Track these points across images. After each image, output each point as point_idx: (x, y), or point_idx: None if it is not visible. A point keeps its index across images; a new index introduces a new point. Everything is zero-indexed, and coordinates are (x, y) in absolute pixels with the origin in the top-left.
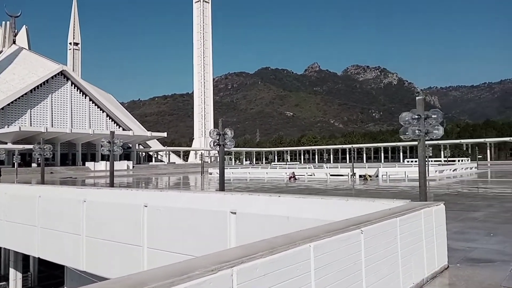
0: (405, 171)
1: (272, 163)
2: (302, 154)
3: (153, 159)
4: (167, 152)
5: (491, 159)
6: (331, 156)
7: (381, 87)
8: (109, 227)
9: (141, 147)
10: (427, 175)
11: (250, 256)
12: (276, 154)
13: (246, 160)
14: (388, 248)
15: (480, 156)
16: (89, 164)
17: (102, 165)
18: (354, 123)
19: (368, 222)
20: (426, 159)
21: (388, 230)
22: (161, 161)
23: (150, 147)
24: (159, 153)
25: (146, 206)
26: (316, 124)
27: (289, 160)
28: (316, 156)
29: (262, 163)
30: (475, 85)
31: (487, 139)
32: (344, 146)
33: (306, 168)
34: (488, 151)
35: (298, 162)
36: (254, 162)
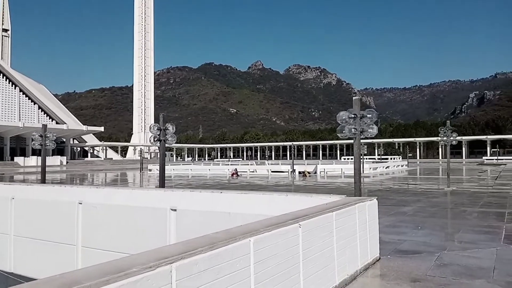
0: (341, 168)
1: (215, 159)
2: (245, 150)
3: (89, 154)
4: (104, 148)
5: (420, 157)
6: (273, 153)
7: (321, 87)
8: (40, 226)
9: (76, 141)
10: (361, 172)
11: (190, 252)
12: (219, 151)
13: (188, 157)
14: (324, 241)
15: (411, 155)
16: (18, 159)
17: (33, 161)
18: (295, 121)
19: (306, 216)
20: (361, 157)
21: (325, 224)
22: (98, 156)
23: (86, 142)
24: (95, 148)
25: (80, 203)
26: (259, 121)
27: (232, 156)
28: (259, 153)
29: (205, 159)
30: (407, 87)
31: (417, 139)
32: (285, 143)
33: (248, 164)
34: (418, 149)
35: (241, 159)
36: (196, 159)
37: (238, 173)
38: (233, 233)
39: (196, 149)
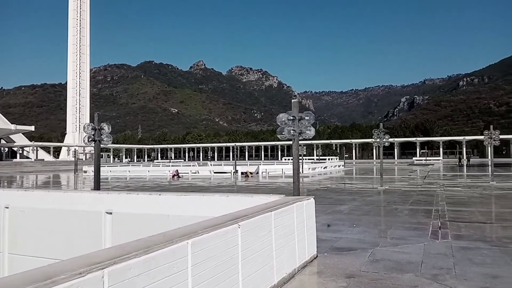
0: (282, 168)
1: (155, 160)
2: (186, 151)
3: (18, 155)
4: (35, 148)
5: (356, 158)
6: (216, 154)
7: (263, 89)
8: None
9: (3, 141)
10: (300, 172)
11: (123, 256)
12: (159, 152)
13: (126, 158)
14: (263, 241)
15: (347, 155)
16: None
17: None
18: (238, 122)
19: (245, 216)
20: (300, 158)
21: (264, 223)
22: (27, 157)
23: (15, 142)
24: (25, 148)
25: (7, 208)
26: (202, 122)
27: (173, 157)
28: (201, 154)
29: (144, 160)
30: (344, 91)
31: (353, 140)
32: (228, 144)
33: (190, 166)
34: (354, 150)
35: (183, 160)
36: (135, 160)
37: (180, 174)
38: (170, 235)
39: (135, 150)
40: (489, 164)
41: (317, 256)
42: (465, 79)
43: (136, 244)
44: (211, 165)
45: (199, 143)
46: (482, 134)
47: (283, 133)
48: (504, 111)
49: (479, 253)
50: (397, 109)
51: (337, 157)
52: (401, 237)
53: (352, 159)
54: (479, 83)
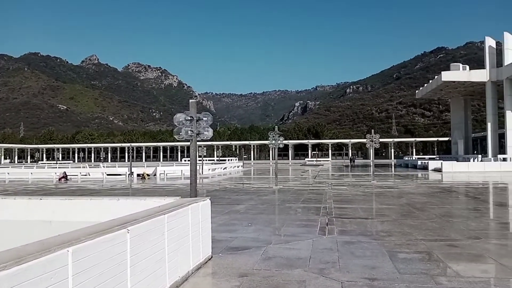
0: (181, 170)
1: (40, 162)
2: (76, 152)
3: None
4: None
5: (254, 159)
6: (109, 154)
7: (162, 88)
8: None
9: None
10: (200, 173)
11: None
12: (45, 152)
13: (5, 159)
14: (155, 245)
15: (246, 156)
16: None
17: None
18: (135, 121)
19: (135, 221)
20: (200, 159)
21: (156, 227)
22: None
23: None
24: None
25: None
26: (94, 120)
27: (60, 158)
28: (93, 154)
29: (27, 161)
30: (244, 94)
31: (251, 142)
32: (123, 144)
33: (80, 167)
34: (252, 151)
35: (72, 161)
36: (16, 161)
37: (68, 177)
38: (48, 244)
39: (16, 150)
40: (371, 164)
41: (212, 257)
42: (351, 86)
43: (5, 255)
44: (103, 166)
45: (91, 143)
46: (365, 138)
47: (180, 133)
48: (384, 117)
49: (360, 246)
50: (291, 112)
51: (237, 158)
52: (292, 234)
53: (251, 160)
54: (363, 91)
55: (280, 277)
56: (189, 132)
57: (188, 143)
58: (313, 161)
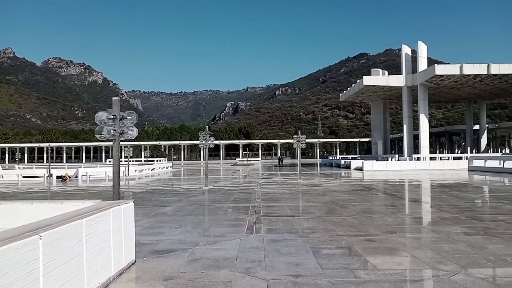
0: (106, 171)
1: None
2: None
3: None
4: None
5: (184, 159)
6: (26, 155)
7: (86, 85)
8: None
9: None
10: (127, 175)
11: None
12: None
13: None
14: (72, 251)
15: (175, 157)
16: None
17: None
18: (55, 120)
19: (49, 226)
20: (126, 159)
21: (73, 232)
22: None
23: None
24: None
25: None
26: (9, 118)
27: None
28: (7, 155)
29: None
30: (174, 92)
31: (181, 142)
32: (42, 144)
33: None
34: (183, 152)
35: None
36: None
37: None
38: None
39: None
40: (298, 164)
41: (135, 261)
42: (280, 89)
43: None
44: (19, 168)
45: (4, 142)
46: (293, 138)
47: (102, 133)
48: (310, 118)
49: (286, 244)
50: (223, 113)
51: (166, 159)
52: (220, 235)
53: (181, 160)
54: (291, 93)
55: (206, 278)
56: (112, 131)
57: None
58: (244, 161)
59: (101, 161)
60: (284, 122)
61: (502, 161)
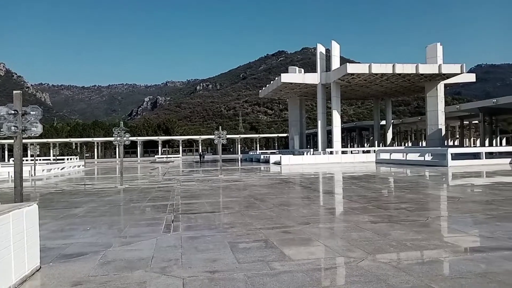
0: (8, 172)
1: None
2: None
3: None
4: None
5: (98, 157)
6: None
7: None
8: None
9: None
10: (33, 175)
11: None
12: None
13: None
14: None
15: (88, 154)
16: None
17: None
18: None
19: None
20: (34, 158)
21: None
22: None
23: None
24: None
25: None
26: None
27: None
28: None
29: None
30: (86, 86)
31: (95, 139)
32: None
33: None
34: (96, 149)
35: None
36: None
37: None
38: None
39: None
40: (219, 159)
41: (40, 267)
42: (201, 84)
43: None
44: None
45: None
46: (214, 134)
47: (1, 129)
48: (232, 114)
49: (204, 240)
50: (141, 108)
51: (77, 157)
52: (135, 235)
53: (94, 158)
54: (213, 89)
55: (119, 281)
56: (13, 128)
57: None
58: (163, 157)
59: (4, 160)
60: (205, 118)
61: (405, 154)
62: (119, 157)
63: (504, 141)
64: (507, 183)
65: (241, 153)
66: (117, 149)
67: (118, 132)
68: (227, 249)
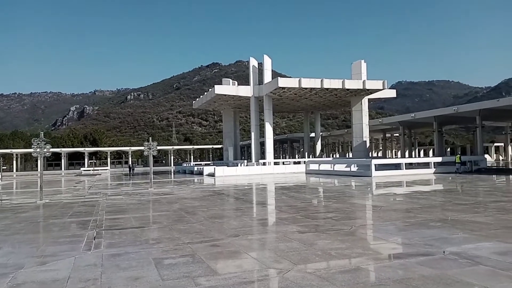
0: None
1: None
2: None
3: None
4: None
5: (18, 170)
6: None
7: None
8: None
9: None
10: None
11: None
12: None
13: None
14: None
15: (6, 167)
16: None
17: None
18: None
19: None
20: None
21: None
22: None
23: None
24: None
25: None
26: None
27: None
28: None
29: None
30: (5, 94)
31: (14, 150)
32: None
33: None
34: (15, 161)
35: None
36: None
37: None
38: None
39: None
40: (150, 172)
41: None
42: (133, 93)
43: None
44: None
45: None
46: (144, 145)
47: None
48: (165, 125)
49: (127, 257)
50: (66, 117)
51: None
52: (52, 254)
53: (13, 171)
54: (144, 99)
55: None
56: None
57: None
58: (90, 170)
59: None
60: (136, 129)
61: (332, 165)
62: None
63: (422, 152)
64: (424, 192)
65: (174, 165)
66: (39, 161)
67: (38, 143)
68: (151, 266)
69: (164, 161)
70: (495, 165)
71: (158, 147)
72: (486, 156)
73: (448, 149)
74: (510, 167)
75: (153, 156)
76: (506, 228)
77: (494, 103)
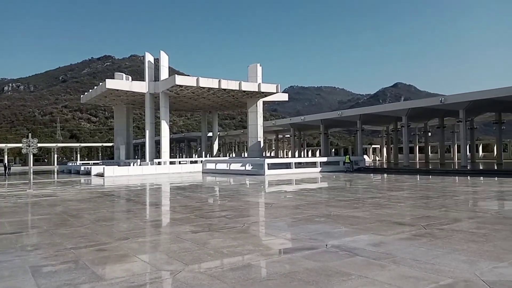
0: None
1: None
2: None
3: None
4: None
5: None
6: None
7: None
8: None
9: None
10: None
11: None
12: None
13: None
14: None
15: None
16: None
17: None
18: None
19: None
20: None
21: None
22: None
23: None
24: None
25: None
26: None
27: None
28: None
29: None
30: None
31: None
32: None
33: None
34: None
35: None
36: None
37: None
38: None
39: None
40: (30, 171)
41: None
42: (11, 84)
43: None
44: None
45: None
46: (22, 142)
47: None
48: (48, 120)
49: None
50: None
51: None
52: None
53: None
54: (24, 91)
55: None
56: None
57: None
58: None
59: None
60: (14, 123)
61: (228, 164)
62: None
63: (310, 152)
64: (311, 190)
65: (58, 164)
66: None
67: None
68: (28, 275)
69: (46, 160)
70: (372, 165)
71: (40, 144)
72: (365, 156)
73: (333, 150)
74: (384, 166)
75: (34, 154)
76: (379, 222)
77: (373, 109)
